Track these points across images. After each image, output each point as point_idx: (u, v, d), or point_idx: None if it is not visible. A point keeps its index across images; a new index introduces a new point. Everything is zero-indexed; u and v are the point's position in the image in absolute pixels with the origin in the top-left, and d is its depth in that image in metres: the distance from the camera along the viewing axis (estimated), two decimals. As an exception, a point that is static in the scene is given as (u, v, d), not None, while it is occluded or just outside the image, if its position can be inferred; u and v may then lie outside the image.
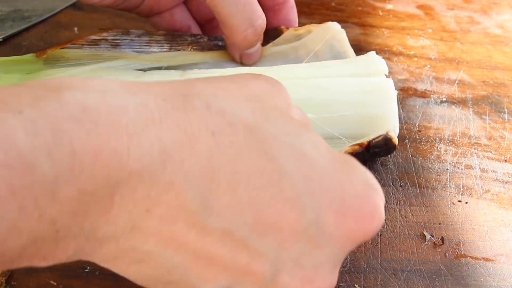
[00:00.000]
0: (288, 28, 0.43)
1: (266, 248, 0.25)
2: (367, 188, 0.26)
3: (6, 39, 0.50)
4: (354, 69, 0.39)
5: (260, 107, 0.26)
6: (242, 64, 0.42)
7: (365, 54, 0.40)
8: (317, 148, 0.26)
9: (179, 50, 0.41)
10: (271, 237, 0.25)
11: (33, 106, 0.21)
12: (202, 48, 0.42)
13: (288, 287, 0.26)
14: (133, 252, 0.24)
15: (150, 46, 0.41)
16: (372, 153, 0.39)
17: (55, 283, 0.34)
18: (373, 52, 0.40)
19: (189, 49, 0.42)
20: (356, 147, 0.37)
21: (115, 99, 0.23)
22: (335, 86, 0.38)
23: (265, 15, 0.44)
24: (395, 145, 0.38)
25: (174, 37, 0.42)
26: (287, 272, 0.26)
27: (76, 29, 0.52)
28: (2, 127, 0.20)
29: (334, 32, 0.42)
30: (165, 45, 0.41)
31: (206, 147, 0.24)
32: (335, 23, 0.43)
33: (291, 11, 0.44)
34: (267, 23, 0.42)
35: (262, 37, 0.41)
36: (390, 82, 0.39)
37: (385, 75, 0.39)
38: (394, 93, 0.39)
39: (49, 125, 0.21)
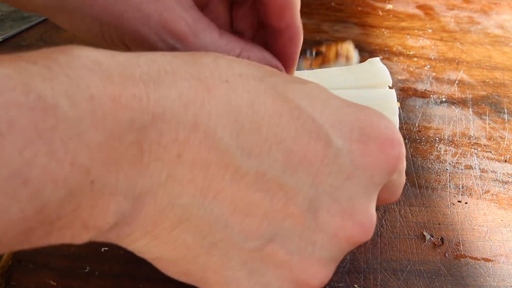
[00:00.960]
0: None
1: (301, 185, 0.25)
2: (379, 117, 0.27)
3: (6, 39, 0.50)
4: (358, 79, 0.39)
5: (263, 68, 0.27)
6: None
7: (369, 61, 0.39)
8: (325, 92, 0.27)
9: None
10: (303, 172, 0.25)
11: (46, 58, 0.21)
12: None
13: (329, 225, 0.26)
14: (172, 210, 0.24)
15: None
16: None
17: (55, 283, 0.34)
18: (377, 59, 0.40)
19: None
20: None
21: (123, 57, 0.23)
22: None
23: (268, 37, 0.36)
24: None
25: None
26: (326, 209, 0.26)
27: (76, 29, 0.52)
28: (19, 73, 0.20)
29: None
30: None
31: (223, 91, 0.25)
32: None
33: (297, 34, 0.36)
34: (269, 44, 0.36)
35: None
36: (392, 93, 0.39)
37: (388, 86, 0.39)
38: (396, 105, 0.39)
39: (64, 70, 0.21)
